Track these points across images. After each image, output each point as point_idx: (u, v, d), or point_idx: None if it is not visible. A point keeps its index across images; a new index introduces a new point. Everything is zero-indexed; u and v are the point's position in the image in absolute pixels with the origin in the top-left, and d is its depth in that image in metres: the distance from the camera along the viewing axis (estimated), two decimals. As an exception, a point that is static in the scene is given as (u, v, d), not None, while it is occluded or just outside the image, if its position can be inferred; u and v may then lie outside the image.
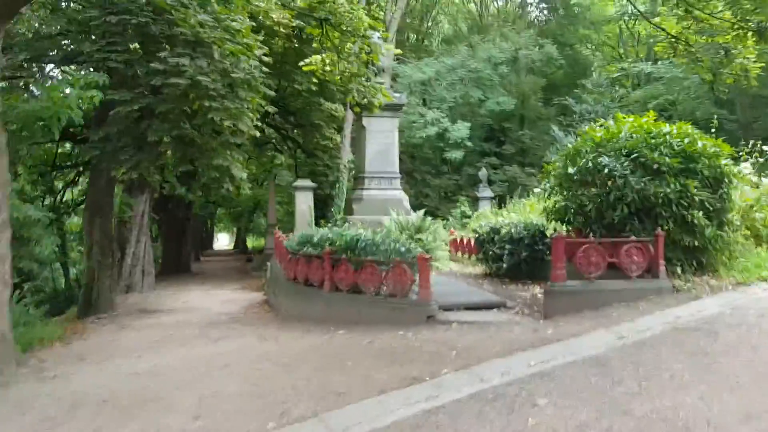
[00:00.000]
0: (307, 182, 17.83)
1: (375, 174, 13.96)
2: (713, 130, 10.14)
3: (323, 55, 11.49)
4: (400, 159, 29.96)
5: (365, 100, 12.07)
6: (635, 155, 8.60)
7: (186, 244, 30.60)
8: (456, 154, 24.09)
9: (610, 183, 8.68)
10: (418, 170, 29.48)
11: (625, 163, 8.59)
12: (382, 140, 13.96)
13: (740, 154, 10.46)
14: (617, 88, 25.55)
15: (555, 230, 10.59)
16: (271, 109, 18.74)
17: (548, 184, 10.11)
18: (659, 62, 23.46)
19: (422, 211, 13.59)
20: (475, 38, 28.86)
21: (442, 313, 8.36)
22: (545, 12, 38.32)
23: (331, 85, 17.24)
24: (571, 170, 9.27)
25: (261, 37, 12.62)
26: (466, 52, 26.53)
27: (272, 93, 11.83)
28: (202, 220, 47.37)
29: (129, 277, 18.96)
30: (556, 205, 10.11)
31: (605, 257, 7.98)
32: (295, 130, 24.46)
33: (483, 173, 23.26)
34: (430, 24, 38.67)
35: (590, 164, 8.83)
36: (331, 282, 8.89)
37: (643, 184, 8.28)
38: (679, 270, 8.46)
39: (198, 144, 11.09)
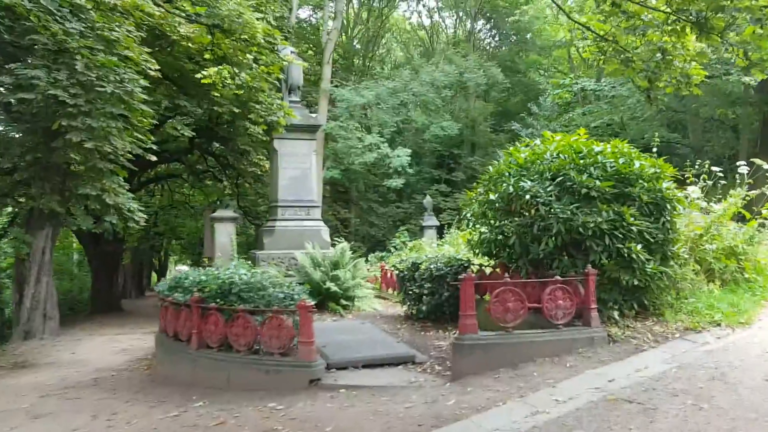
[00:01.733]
0: (228, 212, 16.14)
1: (290, 203, 12.38)
2: (654, 149, 8.87)
3: (219, 67, 9.98)
4: (343, 186, 28.91)
5: (270, 117, 10.53)
6: (561, 178, 7.25)
7: (116, 280, 28.41)
8: (396, 182, 22.67)
9: (533, 211, 7.29)
10: (364, 198, 28.03)
11: (550, 188, 7.23)
12: (298, 165, 12.42)
13: (686, 177, 9.22)
14: (565, 114, 24.64)
15: (480, 266, 9.17)
16: (187, 133, 17.18)
17: (470, 213, 8.70)
18: (602, 80, 22.62)
19: (343, 245, 12.05)
20: (417, 61, 27.83)
21: (332, 375, 6.78)
22: (496, 39, 37.77)
23: (255, 106, 15.63)
24: (492, 197, 7.86)
25: (153, 50, 11.06)
26: (408, 75, 25.35)
27: (150, 111, 10.22)
28: (149, 253, 44.91)
29: (28, 321, 16.71)
30: (481, 236, 8.70)
31: (525, 301, 6.54)
32: (228, 157, 22.82)
33: (428, 201, 21.89)
34: (379, 50, 37.69)
35: (511, 189, 7.44)
36: (199, 336, 7.23)
37: (569, 213, 6.90)
38: (616, 314, 7.07)
39: (65, 170, 9.34)
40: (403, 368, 7.14)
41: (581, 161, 7.36)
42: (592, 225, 6.80)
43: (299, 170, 12.46)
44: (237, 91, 10.34)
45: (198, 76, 10.18)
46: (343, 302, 10.82)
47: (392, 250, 18.63)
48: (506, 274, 7.70)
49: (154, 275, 46.03)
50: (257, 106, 10.94)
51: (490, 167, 8.66)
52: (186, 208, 33.24)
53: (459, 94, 27.48)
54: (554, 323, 6.60)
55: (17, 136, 8.92)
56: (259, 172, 19.01)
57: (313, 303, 6.57)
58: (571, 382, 5.70)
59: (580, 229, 6.85)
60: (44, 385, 8.41)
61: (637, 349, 6.53)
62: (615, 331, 6.87)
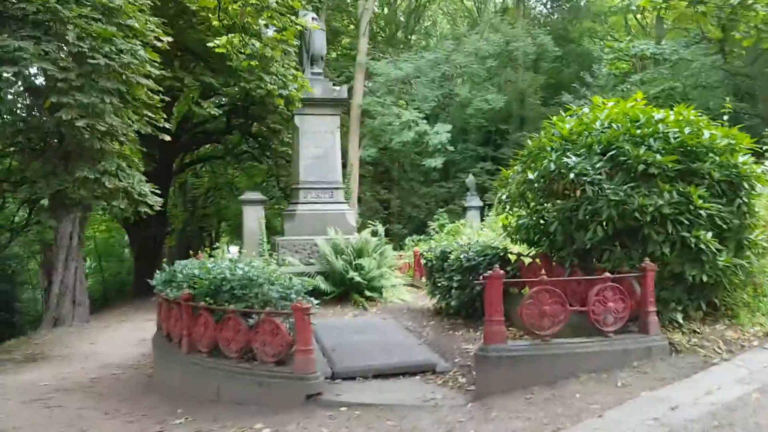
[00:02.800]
0: (256, 195, 15.26)
1: (312, 184, 11.37)
2: (725, 117, 7.39)
3: (230, 35, 9.01)
4: (383, 166, 27.71)
5: (283, 91, 9.52)
6: (613, 152, 5.97)
7: (159, 263, 28.29)
8: (435, 162, 21.33)
9: (578, 192, 6.05)
10: (406, 178, 26.87)
11: (599, 164, 5.97)
12: (320, 143, 11.39)
13: (765, 149, 7.73)
14: (622, 84, 22.69)
15: (518, 256, 7.97)
16: (213, 111, 16.36)
17: (505, 195, 7.49)
18: (663, 42, 20.57)
19: (370, 230, 11.00)
20: (460, 30, 26.21)
21: (336, 387, 5.80)
22: (547, 6, 35.62)
23: (265, 77, 14.59)
24: (531, 175, 6.63)
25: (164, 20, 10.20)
26: (451, 45, 23.84)
27: (156, 86, 9.34)
28: (199, 236, 45.07)
29: (57, 308, 16.46)
30: (519, 222, 7.51)
31: (565, 304, 5.36)
32: (263, 137, 22.07)
33: (470, 180, 20.56)
34: (424, 23, 36.16)
35: (553, 166, 6.21)
36: (189, 339, 6.36)
37: (623, 194, 5.64)
38: (679, 317, 5.81)
39: (65, 152, 8.60)
40: (421, 379, 6.09)
41: (638, 132, 6.05)
42: (651, 209, 5.53)
43: (321, 149, 11.42)
44: (250, 62, 9.38)
45: (210, 45, 9.23)
46: (368, 293, 9.82)
47: (432, 233, 17.47)
48: (543, 271, 6.50)
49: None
50: (267, 78, 9.90)
51: (530, 141, 7.43)
52: (230, 190, 32.86)
53: (505, 65, 25.77)
54: (603, 330, 5.40)
55: (7, 118, 8.14)
56: (290, 152, 18.15)
57: (311, 304, 5.56)
58: (622, 409, 4.52)
59: (636, 214, 5.59)
60: (36, 386, 7.76)
61: (706, 363, 5.28)
62: (678, 339, 5.61)
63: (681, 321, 5.78)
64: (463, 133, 26.09)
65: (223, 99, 20.86)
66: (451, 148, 21.55)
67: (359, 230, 11.37)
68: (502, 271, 5.33)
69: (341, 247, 10.34)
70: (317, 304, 5.91)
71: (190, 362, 6.31)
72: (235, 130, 22.42)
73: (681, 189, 5.63)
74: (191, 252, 9.43)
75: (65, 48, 8.00)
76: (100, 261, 33.51)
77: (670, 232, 5.57)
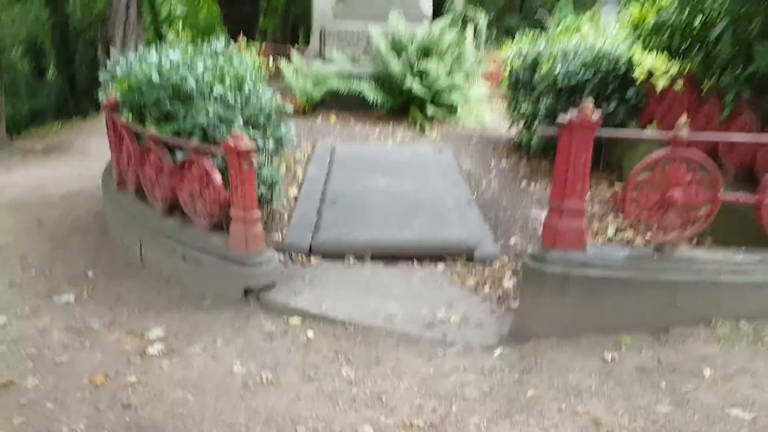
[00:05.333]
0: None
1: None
2: None
3: None
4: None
5: None
6: None
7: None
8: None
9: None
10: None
11: None
12: None
13: None
14: None
15: (649, 76, 5.01)
16: None
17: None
18: None
19: (446, 20, 7.99)
20: None
21: (308, 273, 3.68)
22: None
23: None
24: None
25: None
26: None
27: None
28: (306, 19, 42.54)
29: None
30: (658, 18, 4.50)
31: (717, 186, 2.69)
32: None
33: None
34: None
35: None
36: (117, 167, 4.38)
37: None
38: None
39: None
40: (446, 270, 3.82)
41: None
42: None
43: None
44: None
45: None
46: (431, 111, 7.24)
47: (547, 28, 13.74)
48: (685, 108, 3.66)
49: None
50: None
51: None
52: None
53: None
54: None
55: None
56: None
57: (251, 143, 3.22)
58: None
59: None
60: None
61: None
62: None
63: None
64: None
65: None
66: None
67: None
68: (594, 116, 2.65)
69: (403, 42, 7.59)
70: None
71: (117, 202, 4.38)
72: None
73: None
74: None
75: None
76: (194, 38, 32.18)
77: None
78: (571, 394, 2.48)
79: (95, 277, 4.02)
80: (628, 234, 4.12)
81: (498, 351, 2.89)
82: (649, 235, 2.90)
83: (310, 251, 3.92)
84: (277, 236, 4.09)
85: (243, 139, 3.21)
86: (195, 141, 3.50)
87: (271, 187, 3.94)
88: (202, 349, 3.01)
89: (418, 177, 5.18)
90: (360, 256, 3.90)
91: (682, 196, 2.78)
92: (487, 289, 3.55)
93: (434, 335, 3.04)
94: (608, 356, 2.71)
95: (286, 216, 4.39)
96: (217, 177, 3.43)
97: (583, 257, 2.82)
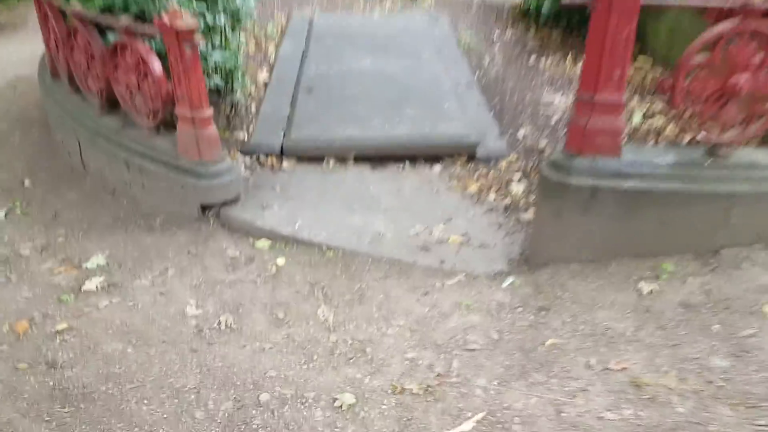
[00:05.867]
0: None
1: None
2: None
3: None
4: None
5: None
6: None
7: None
8: None
9: None
10: None
11: None
12: None
13: None
14: None
15: None
16: None
17: None
18: None
19: None
20: None
21: (279, 180, 3.08)
22: None
23: None
24: None
25: None
26: None
27: None
28: None
29: None
30: None
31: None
32: None
33: None
34: None
35: None
36: (48, 51, 3.63)
37: None
38: None
39: None
40: (443, 174, 3.22)
41: None
42: None
43: None
44: None
45: None
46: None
47: None
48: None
49: None
50: None
51: None
52: None
53: None
54: None
55: None
56: None
57: (194, 22, 2.49)
58: None
59: None
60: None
61: None
62: None
63: None
64: None
65: None
66: None
67: None
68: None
69: None
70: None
71: (53, 95, 3.67)
72: None
73: None
74: None
75: None
76: None
77: None
78: (602, 342, 2.00)
79: (33, 186, 3.42)
80: (658, 122, 3.48)
81: (508, 281, 2.37)
82: (702, 134, 2.28)
83: (282, 153, 3.29)
84: (243, 135, 3.44)
85: (181, 15, 2.47)
86: (125, 19, 2.75)
87: (229, 74, 3.23)
88: (150, 282, 2.49)
89: (410, 54, 4.42)
90: (342, 158, 3.28)
91: (748, 83, 2.13)
92: (492, 196, 2.98)
93: (430, 261, 2.51)
94: (645, 288, 2.20)
95: (254, 108, 3.70)
96: (156, 65, 2.72)
97: (618, 165, 2.22)
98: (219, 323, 2.22)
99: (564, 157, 2.27)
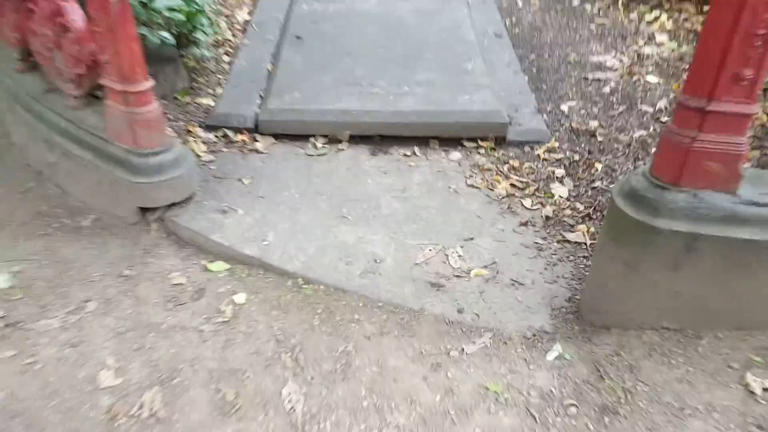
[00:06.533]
0: None
1: None
2: None
3: None
4: None
5: None
6: None
7: None
8: None
9: None
10: None
11: None
12: None
13: None
14: None
15: None
16: None
17: None
18: None
19: None
20: None
21: (244, 167, 2.35)
22: None
23: None
24: None
25: None
26: None
27: None
28: None
29: None
30: None
31: None
32: None
33: None
34: None
35: None
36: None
37: None
38: None
39: None
40: (465, 161, 2.47)
41: None
42: None
43: None
44: None
45: None
46: None
47: None
48: None
49: None
50: None
51: None
52: None
53: None
54: None
55: None
56: None
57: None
58: None
59: None
60: None
61: None
62: None
63: None
64: None
65: None
66: None
67: None
68: None
69: None
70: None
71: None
72: None
73: None
74: None
75: None
76: None
77: None
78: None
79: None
80: None
81: (554, 352, 1.68)
82: None
83: (257, 127, 2.54)
84: (210, 102, 2.67)
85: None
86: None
87: (186, 22, 2.43)
88: (61, 323, 1.82)
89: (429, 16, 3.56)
90: (333, 138, 2.53)
91: None
92: (527, 201, 2.25)
93: (443, 308, 1.83)
94: (756, 383, 1.51)
95: (227, 62, 2.92)
96: (77, 16, 1.95)
97: (732, 206, 1.49)
98: (141, 407, 1.56)
99: (650, 186, 1.53)
